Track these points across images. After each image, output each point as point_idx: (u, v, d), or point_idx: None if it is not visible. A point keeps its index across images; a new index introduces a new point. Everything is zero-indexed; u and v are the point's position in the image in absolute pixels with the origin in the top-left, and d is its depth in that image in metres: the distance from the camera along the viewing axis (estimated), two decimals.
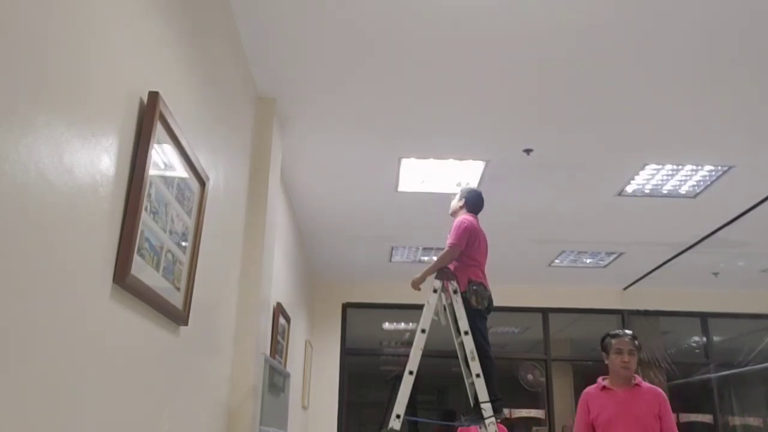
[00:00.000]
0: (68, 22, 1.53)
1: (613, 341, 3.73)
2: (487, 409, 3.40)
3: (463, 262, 3.73)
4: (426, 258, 7.12)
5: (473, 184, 5.04)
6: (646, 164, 4.75)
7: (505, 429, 5.16)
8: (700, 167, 4.78)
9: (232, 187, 3.28)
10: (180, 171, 2.34)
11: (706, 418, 8.26)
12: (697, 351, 8.56)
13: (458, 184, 5.00)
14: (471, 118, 4.15)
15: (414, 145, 4.55)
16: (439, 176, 5.00)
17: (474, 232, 3.76)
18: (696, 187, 5.10)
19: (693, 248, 6.43)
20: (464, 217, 3.83)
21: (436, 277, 3.65)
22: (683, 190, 5.16)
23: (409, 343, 3.62)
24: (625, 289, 8.13)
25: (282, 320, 4.99)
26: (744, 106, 3.95)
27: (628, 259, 6.99)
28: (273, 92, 3.90)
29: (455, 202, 3.99)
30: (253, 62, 3.60)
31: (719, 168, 4.77)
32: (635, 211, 5.62)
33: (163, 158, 2.15)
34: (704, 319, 8.32)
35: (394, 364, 9.55)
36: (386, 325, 9.37)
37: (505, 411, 5.67)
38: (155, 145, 2.04)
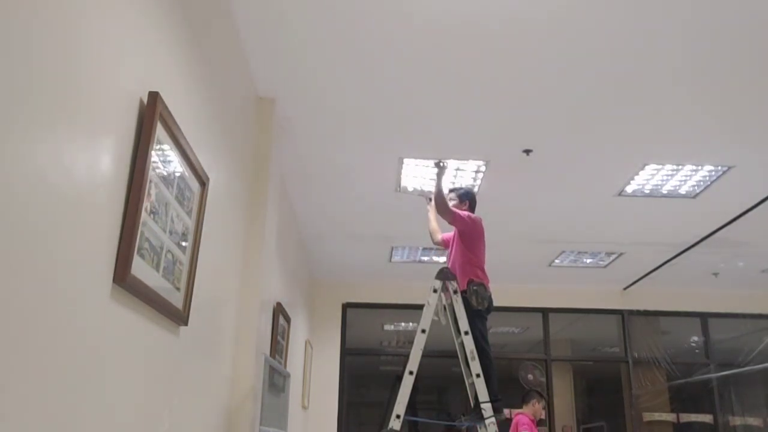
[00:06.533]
0: (68, 23, 1.53)
1: None
2: (487, 409, 3.40)
3: (466, 260, 3.74)
4: (426, 258, 7.13)
5: (473, 184, 5.04)
6: (646, 164, 4.74)
7: None
8: (700, 167, 4.78)
9: (232, 187, 3.28)
10: (180, 171, 2.34)
11: (706, 418, 8.25)
12: (697, 351, 8.56)
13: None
14: (471, 118, 4.15)
15: (414, 145, 4.55)
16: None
17: (480, 229, 3.81)
18: (696, 187, 5.10)
19: (693, 248, 6.43)
20: (472, 215, 3.87)
21: (436, 277, 3.65)
22: (683, 190, 5.15)
23: (410, 343, 3.62)
24: (625, 289, 8.13)
25: (282, 320, 4.99)
26: (744, 106, 3.95)
27: (628, 259, 6.98)
28: (273, 92, 3.90)
29: (455, 204, 3.97)
30: (253, 62, 3.60)
31: (719, 168, 4.77)
32: (635, 211, 5.61)
33: (163, 158, 2.15)
34: (704, 319, 8.32)
35: (395, 364, 9.55)
36: (386, 326, 9.37)
37: (505, 411, 5.68)
38: (155, 145, 2.04)
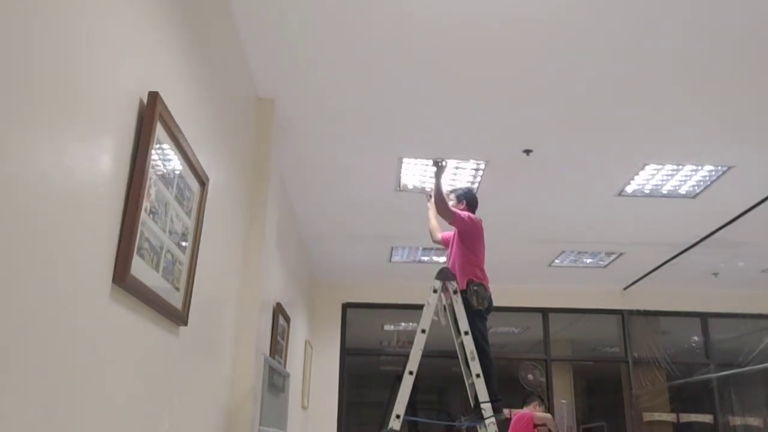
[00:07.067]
0: (68, 23, 1.53)
1: None
2: (487, 409, 3.40)
3: (466, 260, 3.74)
4: (426, 258, 7.13)
5: (472, 182, 5.04)
6: (646, 164, 4.74)
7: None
8: (700, 167, 4.78)
9: (232, 187, 3.28)
10: (180, 171, 2.34)
11: (707, 418, 8.25)
12: (697, 351, 8.56)
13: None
14: (471, 118, 4.15)
15: (414, 145, 4.55)
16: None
17: (480, 230, 3.81)
18: (696, 187, 5.10)
19: (693, 248, 6.43)
20: (472, 215, 3.87)
21: (436, 277, 3.65)
22: (683, 190, 5.15)
23: (410, 343, 3.62)
24: (625, 289, 8.13)
25: (282, 320, 4.99)
26: (744, 106, 3.95)
27: (628, 259, 6.98)
28: (273, 92, 3.90)
29: (453, 205, 3.96)
30: (253, 62, 3.60)
31: (719, 168, 4.77)
32: (635, 211, 5.61)
33: (162, 158, 2.15)
34: (704, 319, 8.32)
35: (395, 364, 9.55)
36: (386, 326, 9.37)
37: (505, 411, 5.70)
38: (155, 145, 2.04)
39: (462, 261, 3.76)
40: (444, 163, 3.80)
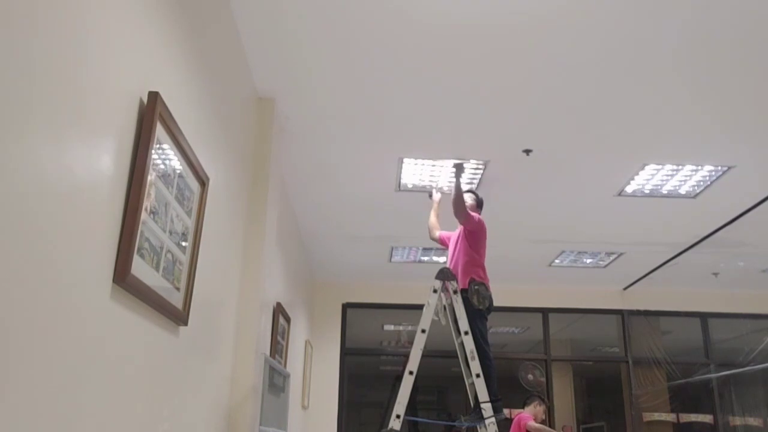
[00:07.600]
0: (68, 22, 1.53)
1: None
2: (487, 409, 3.40)
3: (469, 259, 3.77)
4: (426, 258, 7.13)
5: (473, 184, 5.05)
6: (646, 164, 4.74)
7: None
8: (700, 167, 4.78)
9: (232, 187, 3.28)
10: (180, 171, 2.34)
11: (706, 418, 8.25)
12: (697, 351, 8.56)
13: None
14: (471, 118, 4.15)
15: (414, 145, 4.55)
16: (440, 176, 5.00)
17: (485, 231, 3.93)
18: (696, 187, 5.10)
19: (693, 248, 6.43)
20: (478, 215, 3.97)
21: (436, 277, 3.66)
22: (683, 190, 5.15)
23: (410, 343, 3.63)
24: (625, 289, 8.13)
25: (282, 320, 4.99)
26: (744, 106, 3.95)
27: (628, 259, 6.98)
28: (273, 92, 3.90)
29: (470, 201, 4.11)
30: (253, 62, 3.60)
31: (719, 168, 4.77)
32: (635, 211, 5.61)
33: (163, 158, 2.15)
34: (704, 319, 8.32)
35: (395, 364, 9.55)
36: (386, 326, 9.37)
37: (505, 411, 5.71)
38: (155, 145, 2.04)
39: (465, 260, 3.78)
40: (464, 165, 3.98)
